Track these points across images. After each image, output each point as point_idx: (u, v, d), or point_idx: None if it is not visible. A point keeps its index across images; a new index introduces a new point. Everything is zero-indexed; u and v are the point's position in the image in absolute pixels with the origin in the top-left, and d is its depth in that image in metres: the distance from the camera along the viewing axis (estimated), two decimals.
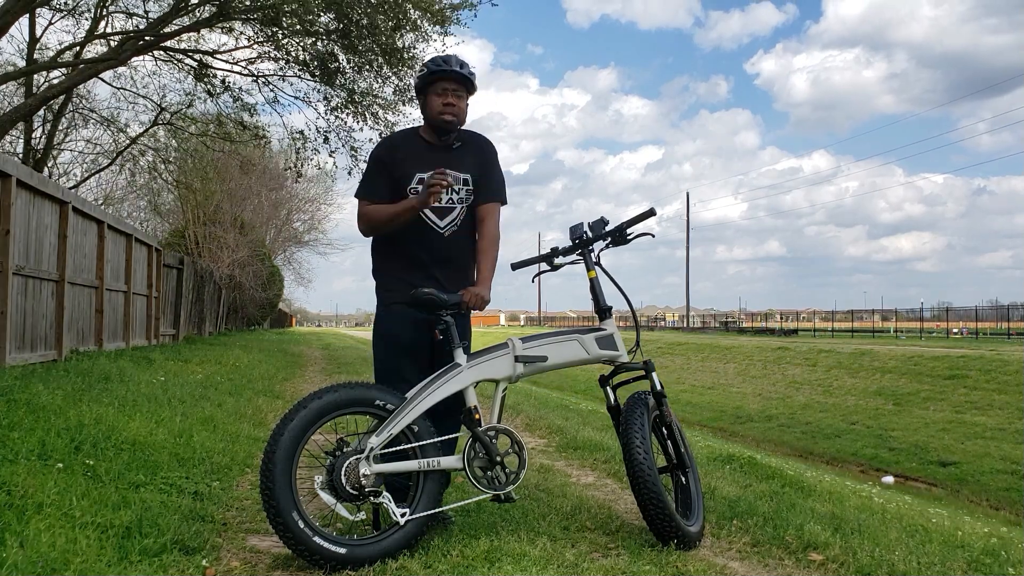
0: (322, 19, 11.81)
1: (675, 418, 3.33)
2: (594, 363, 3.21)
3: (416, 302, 2.94)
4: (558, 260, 3.34)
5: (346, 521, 2.79)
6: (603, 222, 3.27)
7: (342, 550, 2.61)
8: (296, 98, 14.23)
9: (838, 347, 28.83)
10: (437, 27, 11.92)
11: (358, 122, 13.53)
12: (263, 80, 13.74)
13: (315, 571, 2.59)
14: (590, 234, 3.26)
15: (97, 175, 19.33)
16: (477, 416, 2.93)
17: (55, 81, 13.79)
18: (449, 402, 2.95)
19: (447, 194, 3.13)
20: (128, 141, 16.96)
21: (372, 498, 2.73)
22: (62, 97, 14.19)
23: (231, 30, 12.95)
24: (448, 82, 3.12)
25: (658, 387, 3.22)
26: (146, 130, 16.78)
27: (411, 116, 13.32)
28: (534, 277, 3.75)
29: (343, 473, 2.70)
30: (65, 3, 13.49)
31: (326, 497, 2.71)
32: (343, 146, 13.88)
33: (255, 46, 13.20)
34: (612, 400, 3.24)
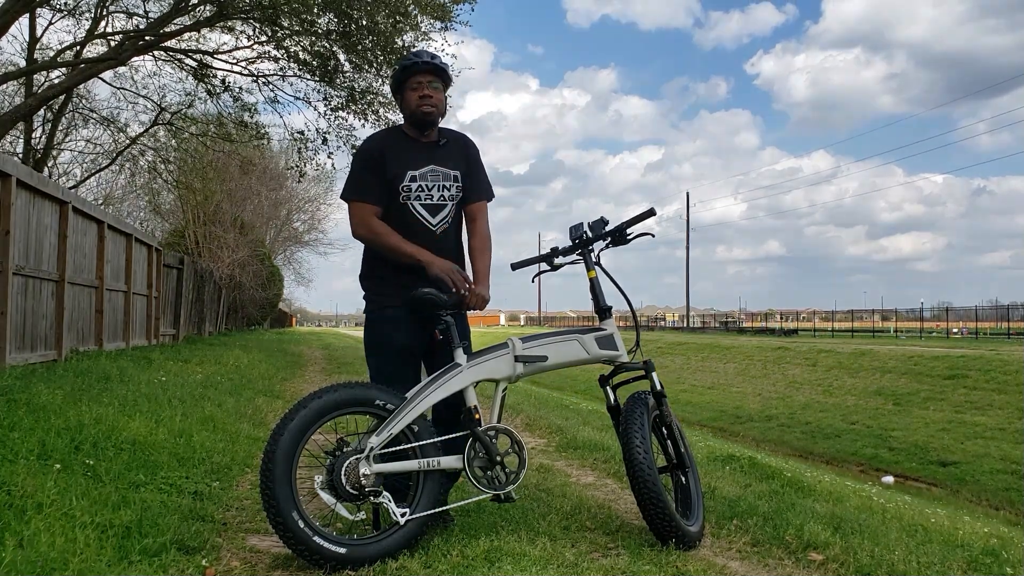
0: (322, 19, 11.81)
1: (675, 418, 3.33)
2: (594, 363, 3.21)
3: (416, 302, 2.94)
4: (558, 260, 3.34)
5: (346, 521, 2.79)
6: (603, 222, 3.27)
7: (342, 550, 2.61)
8: (296, 98, 14.24)
9: (838, 347, 28.83)
10: (437, 22, 11.92)
11: (360, 120, 13.54)
12: (263, 80, 13.75)
13: (315, 571, 2.59)
14: (590, 234, 3.26)
15: (97, 175, 19.36)
16: (477, 416, 2.93)
17: (55, 81, 13.80)
18: (450, 402, 2.95)
19: (438, 191, 3.13)
20: (128, 141, 16.97)
21: (372, 498, 2.73)
22: (62, 97, 14.20)
23: (231, 30, 12.96)
24: (422, 75, 3.10)
25: (658, 387, 3.22)
26: (146, 130, 16.79)
27: None
28: (534, 277, 3.75)
29: (343, 473, 2.70)
30: (65, 3, 13.51)
31: (326, 497, 2.71)
32: (344, 145, 13.89)
33: (255, 46, 13.21)
34: (612, 400, 3.24)
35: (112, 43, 13.50)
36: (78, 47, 13.82)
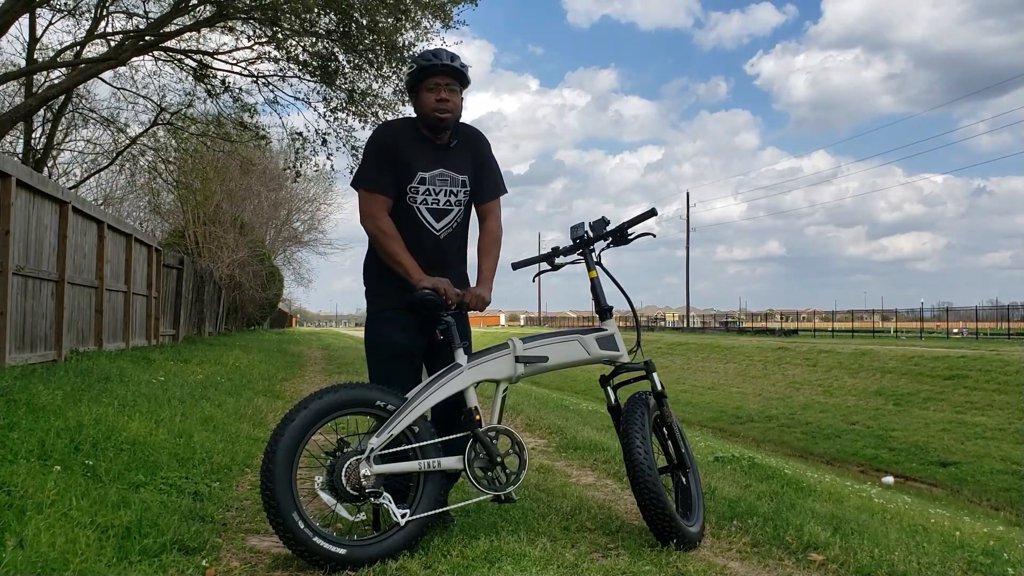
0: (322, 19, 11.81)
1: (675, 418, 3.32)
2: (595, 363, 3.21)
3: (416, 302, 2.94)
4: (559, 260, 3.33)
5: (346, 522, 2.78)
6: (604, 222, 3.27)
7: (342, 550, 2.61)
8: (296, 98, 14.23)
9: (838, 347, 28.83)
10: (438, 23, 11.91)
11: (359, 121, 13.53)
12: (263, 80, 13.74)
13: (315, 571, 2.59)
14: (591, 234, 3.25)
15: (97, 175, 19.37)
16: (478, 417, 2.92)
17: (55, 81, 13.80)
18: (450, 403, 2.95)
19: (445, 196, 3.11)
20: (128, 141, 16.97)
21: (372, 499, 2.73)
22: (62, 97, 14.20)
23: (231, 30, 12.95)
24: (439, 77, 3.03)
25: (659, 387, 3.21)
26: (146, 130, 16.80)
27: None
28: (534, 277, 3.74)
29: (343, 473, 2.69)
30: (65, 3, 13.51)
31: (326, 497, 2.71)
32: (344, 146, 13.89)
33: (255, 46, 13.20)
34: (612, 400, 3.23)
35: (112, 43, 13.49)
36: (78, 47, 13.82)
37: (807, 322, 59.13)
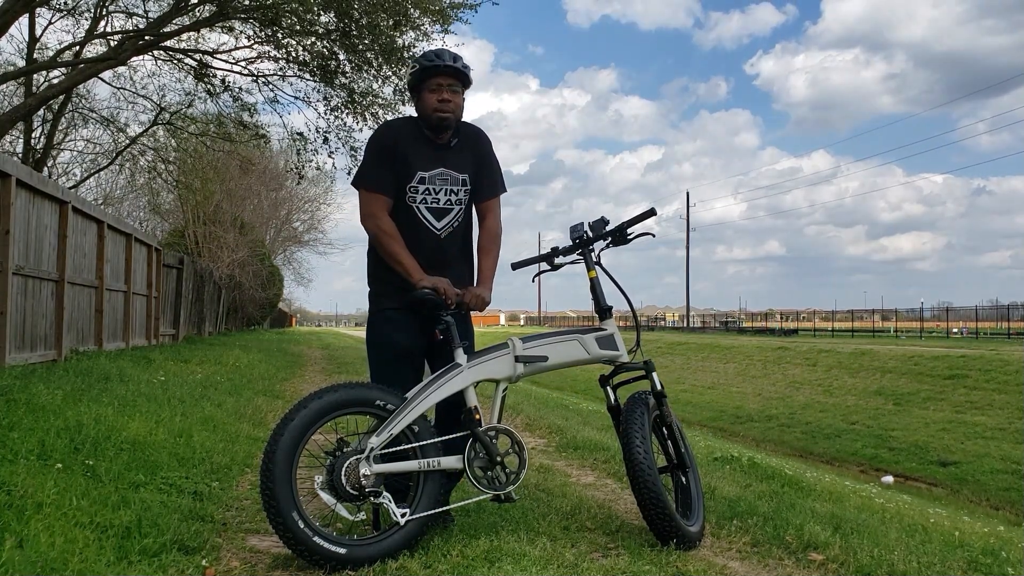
0: (322, 19, 11.81)
1: (675, 418, 3.33)
2: (594, 363, 3.21)
3: (415, 302, 2.94)
4: (558, 260, 3.33)
5: (346, 521, 2.78)
6: (603, 222, 3.27)
7: (342, 550, 2.61)
8: (296, 98, 14.22)
9: (838, 347, 28.84)
10: (438, 26, 11.91)
11: (358, 122, 13.53)
12: (263, 80, 13.74)
13: (315, 571, 2.59)
14: (590, 234, 3.25)
15: (97, 175, 19.36)
16: (477, 416, 2.92)
17: (55, 81, 13.79)
18: (450, 402, 2.95)
19: (445, 195, 3.12)
20: (128, 141, 16.96)
21: (372, 498, 2.73)
22: (62, 97, 14.19)
23: (231, 30, 12.93)
24: (442, 77, 3.04)
25: (658, 387, 3.21)
26: (146, 130, 16.78)
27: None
28: (534, 277, 3.75)
29: (343, 473, 2.70)
30: (65, 3, 13.49)
31: (326, 497, 2.71)
32: (343, 146, 13.88)
33: (255, 46, 13.20)
34: (612, 400, 3.23)
35: (112, 43, 13.48)
36: (78, 47, 13.81)
37: (807, 322, 59.12)
